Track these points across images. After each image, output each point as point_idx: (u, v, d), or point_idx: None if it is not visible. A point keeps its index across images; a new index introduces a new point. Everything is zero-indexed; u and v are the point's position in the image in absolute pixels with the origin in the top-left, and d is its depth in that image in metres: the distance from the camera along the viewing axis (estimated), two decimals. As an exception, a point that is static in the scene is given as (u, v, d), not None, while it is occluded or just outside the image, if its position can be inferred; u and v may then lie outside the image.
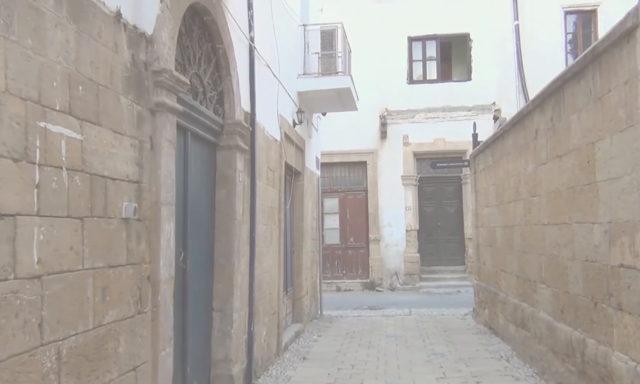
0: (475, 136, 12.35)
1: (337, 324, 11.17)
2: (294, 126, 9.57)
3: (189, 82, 4.36)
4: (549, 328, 6.42)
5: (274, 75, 8.01)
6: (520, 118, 7.60)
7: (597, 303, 5.08)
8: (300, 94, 10.08)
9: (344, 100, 10.85)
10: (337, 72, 10.33)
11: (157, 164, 3.91)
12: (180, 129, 4.76)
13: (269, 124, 7.63)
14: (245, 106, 6.34)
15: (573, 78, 5.56)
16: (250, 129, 6.30)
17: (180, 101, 4.40)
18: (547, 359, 6.51)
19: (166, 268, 3.98)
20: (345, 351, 8.50)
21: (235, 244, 5.69)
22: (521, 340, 7.66)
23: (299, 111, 9.63)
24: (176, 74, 4.06)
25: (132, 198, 3.63)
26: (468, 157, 13.23)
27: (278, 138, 8.22)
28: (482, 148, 10.49)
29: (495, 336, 9.25)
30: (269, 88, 7.75)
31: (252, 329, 6.34)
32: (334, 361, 7.86)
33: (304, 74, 10.25)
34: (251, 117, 6.44)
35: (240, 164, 5.85)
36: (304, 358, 8.07)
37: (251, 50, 6.47)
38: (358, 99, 11.54)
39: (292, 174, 9.80)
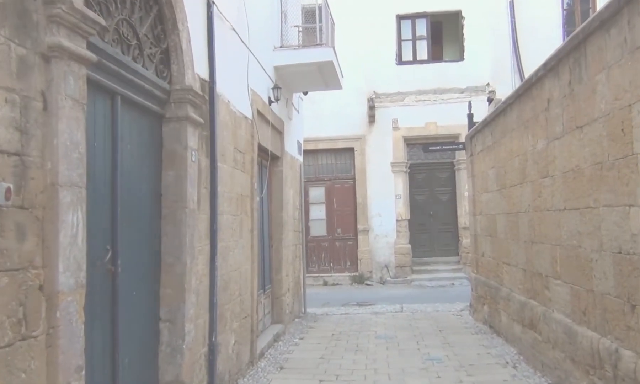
0: (470, 116, 11.30)
1: (322, 324, 10.15)
2: (270, 104, 8.48)
3: (104, 23, 3.26)
4: (567, 331, 5.41)
5: (243, 42, 6.92)
6: (528, 88, 6.57)
7: (635, 305, 4.07)
8: (277, 69, 8.99)
9: (326, 76, 9.77)
10: (318, 44, 9.23)
11: (54, 130, 2.83)
12: (104, 90, 3.68)
13: (236, 98, 6.55)
14: (202, 71, 5.25)
15: (600, 28, 4.52)
16: (207, 98, 5.21)
17: (95, 49, 3.32)
18: (564, 368, 5.51)
19: (71, 274, 2.91)
20: (329, 357, 7.48)
21: (187, 238, 4.61)
22: (530, 343, 6.66)
23: (275, 87, 8.53)
24: (82, 7, 2.97)
25: (7, 176, 2.55)
26: (462, 140, 12.25)
27: (249, 115, 7.14)
28: (480, 127, 9.47)
29: (497, 337, 8.26)
30: (236, 56, 6.66)
31: (214, 339, 5.28)
32: (315, 370, 6.83)
33: (281, 47, 9.15)
34: (210, 85, 5.36)
35: (193, 140, 4.76)
36: (282, 367, 7.03)
37: (209, 4, 5.37)
38: (343, 77, 10.47)
39: (269, 159, 8.72)
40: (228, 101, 6.14)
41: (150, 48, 4.31)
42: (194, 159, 4.74)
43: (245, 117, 6.98)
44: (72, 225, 2.92)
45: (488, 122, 8.83)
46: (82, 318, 3.01)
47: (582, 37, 4.88)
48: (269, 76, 8.62)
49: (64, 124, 2.87)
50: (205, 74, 5.32)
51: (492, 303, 8.80)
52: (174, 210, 4.58)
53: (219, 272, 5.51)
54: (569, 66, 5.27)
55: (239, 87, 6.80)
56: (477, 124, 9.86)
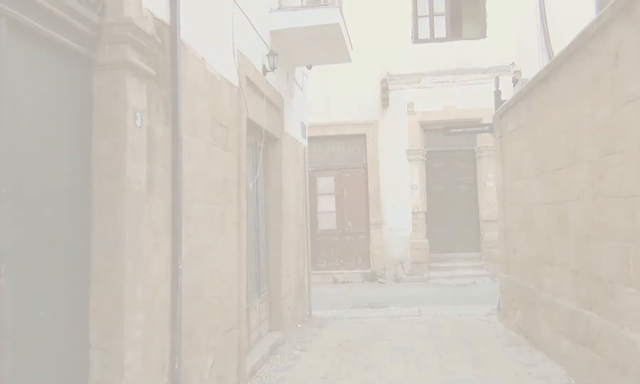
0: (498, 93, 9.95)
1: (329, 331, 8.84)
2: (265, 74, 7.16)
3: None
4: (647, 357, 4.06)
5: (226, -10, 5.62)
6: (584, 41, 5.18)
7: None
8: (274, 34, 7.66)
9: (332, 45, 8.41)
10: (322, 5, 7.88)
11: None
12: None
13: (216, 58, 5.23)
14: (159, 10, 3.93)
15: None
16: (168, 47, 3.90)
17: None
18: (641, 404, 4.16)
19: None
20: (333, 377, 6.18)
21: (128, 232, 3.29)
22: (584, 364, 5.30)
23: (271, 54, 7.21)
24: None
25: None
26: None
27: (235, 82, 5.82)
28: (512, 103, 8.08)
29: (536, 350, 6.89)
30: (216, 5, 5.36)
31: (176, 367, 3.99)
32: (316, 395, 5.55)
33: (279, 9, 7.81)
34: (171, 30, 4.05)
35: (137, 96, 3.44)
36: (275, 391, 5.76)
37: None
38: (352, 48, 9.11)
39: (264, 139, 7.39)
40: (202, 58, 4.83)
41: (65, -42, 3.01)
42: (138, 124, 3.42)
43: (230, 83, 5.66)
44: None
45: (524, 95, 7.44)
46: None
47: (680, -48, 3.51)
48: (265, 42, 7.30)
49: None
50: (164, 15, 4.00)
51: (527, 308, 7.43)
52: (109, 193, 3.27)
53: (186, 276, 4.21)
54: (654, -1, 3.90)
55: (221, 46, 5.48)
56: (508, 100, 8.48)
